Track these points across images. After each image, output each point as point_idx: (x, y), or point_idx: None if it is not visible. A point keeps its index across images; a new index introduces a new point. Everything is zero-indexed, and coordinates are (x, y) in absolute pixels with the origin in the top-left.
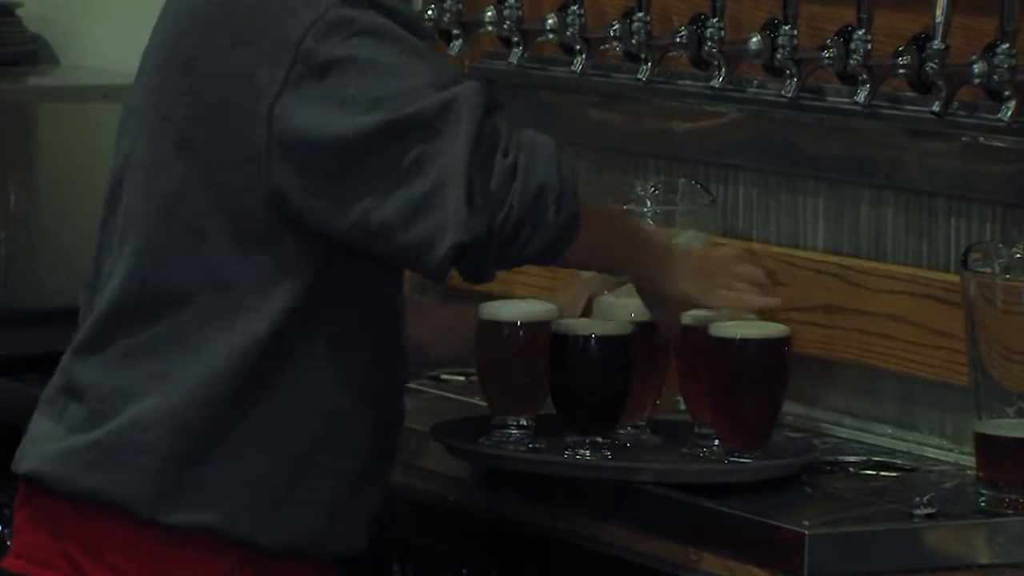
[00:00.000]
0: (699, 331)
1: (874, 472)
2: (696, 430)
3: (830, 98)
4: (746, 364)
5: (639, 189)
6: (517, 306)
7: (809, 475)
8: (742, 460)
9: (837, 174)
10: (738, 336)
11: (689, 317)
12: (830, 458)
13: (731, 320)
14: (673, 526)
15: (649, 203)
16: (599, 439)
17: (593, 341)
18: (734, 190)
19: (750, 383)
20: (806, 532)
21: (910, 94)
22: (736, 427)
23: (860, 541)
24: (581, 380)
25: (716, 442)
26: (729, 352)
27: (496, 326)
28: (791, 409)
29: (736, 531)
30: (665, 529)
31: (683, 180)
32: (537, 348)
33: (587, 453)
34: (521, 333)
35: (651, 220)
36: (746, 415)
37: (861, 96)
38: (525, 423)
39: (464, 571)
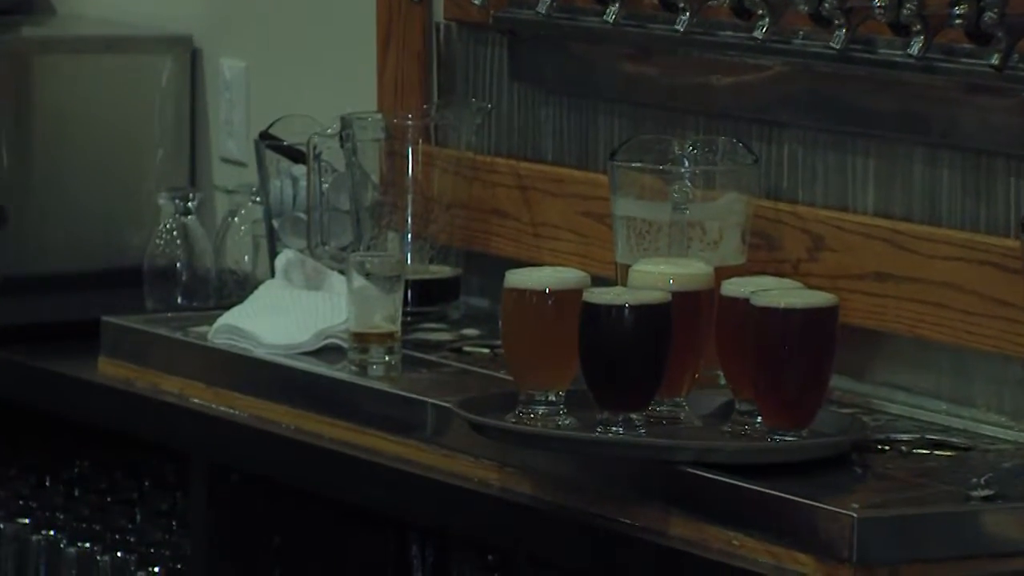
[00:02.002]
0: (740, 300)
1: (928, 451)
2: (737, 406)
3: (881, 50)
4: (791, 335)
5: (676, 148)
6: (546, 273)
7: (858, 454)
8: (787, 438)
9: (888, 132)
10: (782, 305)
11: (729, 286)
12: (881, 436)
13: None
14: (713, 509)
15: (687, 163)
16: (633, 416)
17: (627, 310)
18: (778, 149)
19: (795, 355)
20: (855, 515)
21: (967, 46)
22: (780, 403)
23: (912, 525)
24: (614, 352)
25: (759, 419)
26: (773, 322)
27: (523, 295)
28: (839, 384)
29: (780, 514)
30: (704, 512)
31: (723, 138)
32: (567, 318)
33: (620, 430)
34: (550, 302)
35: (689, 181)
36: (791, 390)
37: (915, 48)
38: (554, 398)
39: (489, 557)
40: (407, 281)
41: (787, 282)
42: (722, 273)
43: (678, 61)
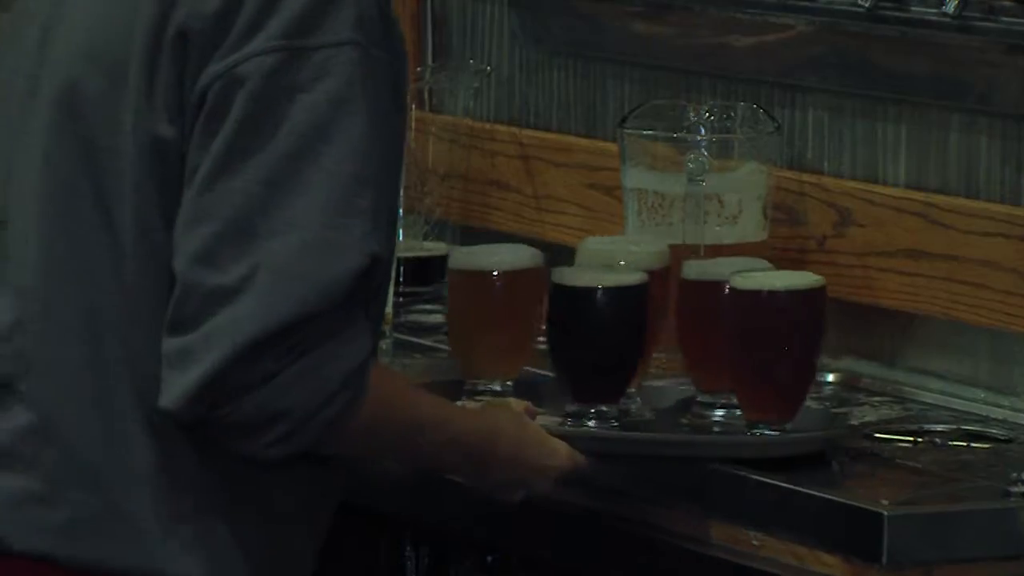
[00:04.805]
0: (710, 284)
1: (964, 443)
2: (699, 398)
3: (914, 8)
4: (778, 321)
5: (692, 114)
6: (495, 252)
7: (888, 446)
8: (768, 432)
9: (922, 97)
10: (766, 289)
11: (695, 269)
12: (913, 427)
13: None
14: (731, 506)
15: (703, 130)
16: (604, 408)
17: (600, 293)
18: (802, 115)
19: (783, 343)
20: (885, 512)
21: (1007, 3)
22: (766, 394)
23: (947, 523)
24: (589, 340)
25: (718, 412)
26: (757, 307)
27: (469, 276)
28: (868, 370)
29: (804, 512)
30: (722, 510)
31: (743, 104)
32: (518, 302)
33: (591, 424)
34: (499, 285)
35: (705, 150)
36: (777, 381)
37: (950, 6)
38: (500, 388)
39: (488, 558)
40: (399, 259)
41: (752, 261)
42: (742, 251)
43: (694, 20)
